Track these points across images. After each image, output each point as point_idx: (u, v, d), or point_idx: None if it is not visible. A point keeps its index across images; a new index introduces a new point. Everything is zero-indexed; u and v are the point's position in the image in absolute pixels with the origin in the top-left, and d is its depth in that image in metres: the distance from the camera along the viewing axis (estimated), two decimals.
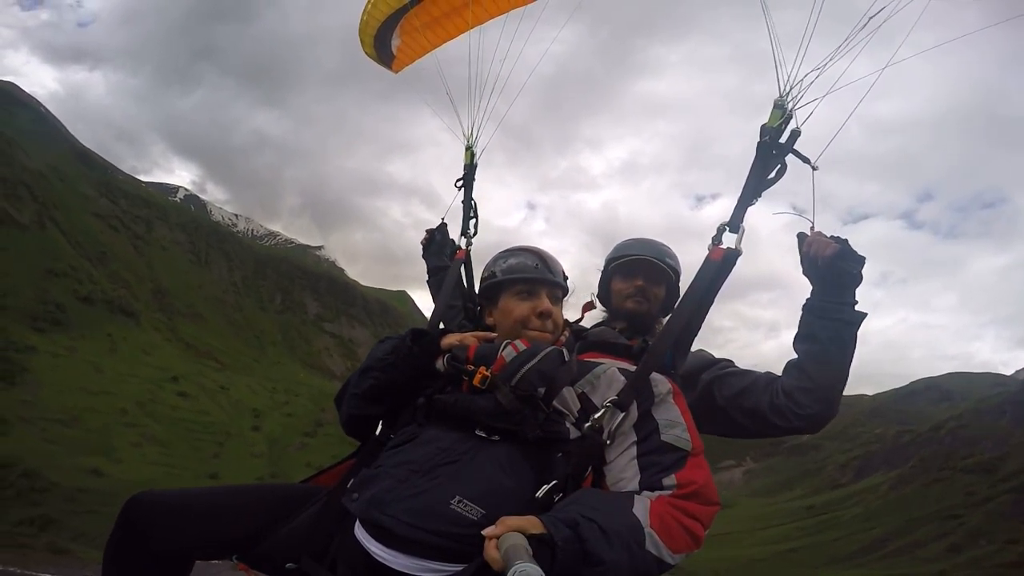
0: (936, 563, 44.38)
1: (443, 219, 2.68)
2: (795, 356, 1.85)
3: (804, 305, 1.85)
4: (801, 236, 1.81)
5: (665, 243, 2.21)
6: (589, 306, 2.04)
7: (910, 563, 48.80)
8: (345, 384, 1.78)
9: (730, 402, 1.89)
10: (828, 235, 1.77)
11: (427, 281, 2.66)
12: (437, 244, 2.67)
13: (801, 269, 1.82)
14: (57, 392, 65.84)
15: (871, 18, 1.68)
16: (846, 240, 1.74)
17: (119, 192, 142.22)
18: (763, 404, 1.81)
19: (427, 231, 2.71)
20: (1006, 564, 36.52)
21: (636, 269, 2.12)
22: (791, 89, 1.70)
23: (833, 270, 1.74)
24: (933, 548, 54.06)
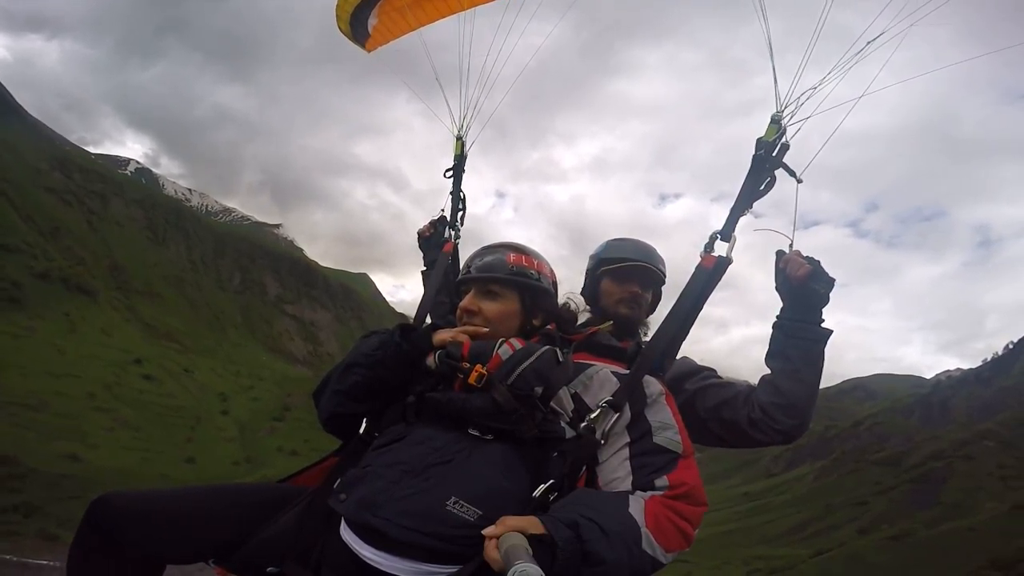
0: (846, 543, 51.81)
1: (443, 210, 2.63)
2: (767, 372, 1.89)
3: (775, 324, 1.89)
4: (779, 253, 1.85)
5: (652, 245, 2.22)
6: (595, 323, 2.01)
7: (826, 543, 56.06)
8: (325, 379, 1.71)
9: (710, 414, 1.91)
10: (803, 255, 1.80)
11: (422, 272, 2.65)
12: (438, 235, 2.61)
13: (774, 284, 1.87)
14: (21, 375, 65.27)
15: (869, 43, 1.71)
16: (818, 261, 1.79)
17: (72, 166, 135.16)
18: (742, 418, 1.86)
19: (431, 222, 2.65)
20: (890, 537, 44.52)
21: (631, 275, 2.11)
22: (787, 106, 1.74)
23: (804, 290, 1.79)
24: (845, 530, 61.83)
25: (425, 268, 2.64)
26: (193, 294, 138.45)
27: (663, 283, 2.19)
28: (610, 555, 1.19)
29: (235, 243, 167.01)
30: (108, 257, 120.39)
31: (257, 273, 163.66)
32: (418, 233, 2.68)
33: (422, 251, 2.67)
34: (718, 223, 1.81)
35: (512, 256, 1.72)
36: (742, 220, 1.80)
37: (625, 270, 2.12)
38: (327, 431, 1.73)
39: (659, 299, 2.21)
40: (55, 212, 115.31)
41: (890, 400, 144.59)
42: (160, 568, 1.58)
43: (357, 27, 2.87)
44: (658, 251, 2.22)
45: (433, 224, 2.65)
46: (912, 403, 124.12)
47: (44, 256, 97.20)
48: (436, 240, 2.61)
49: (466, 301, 1.69)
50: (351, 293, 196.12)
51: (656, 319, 2.20)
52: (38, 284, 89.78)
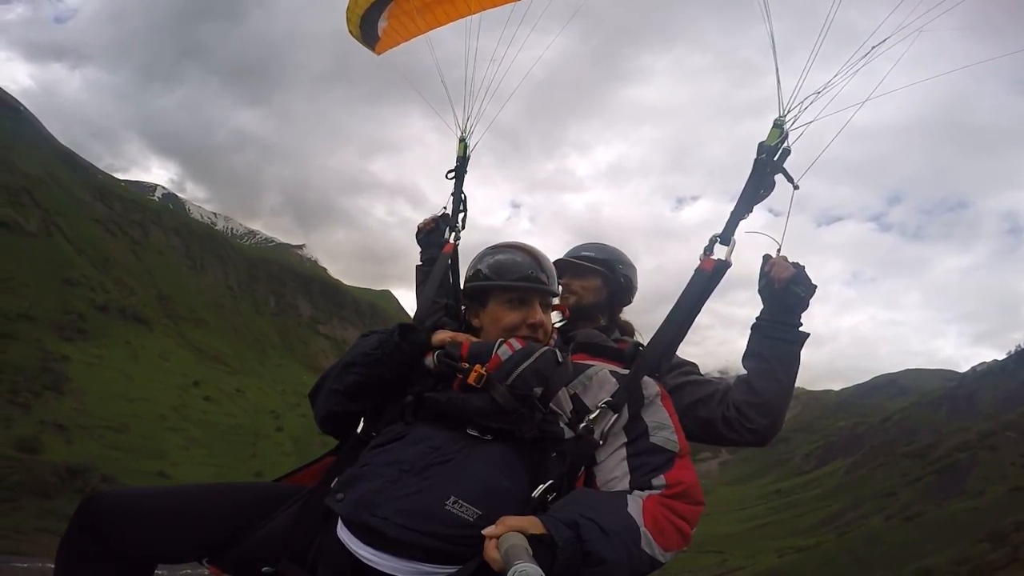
0: (875, 530, 55.40)
1: (444, 207, 2.61)
2: (743, 372, 1.94)
3: (753, 325, 1.92)
4: (766, 257, 1.88)
5: (597, 242, 2.40)
6: (564, 310, 2.09)
7: (855, 532, 59.74)
8: (322, 379, 1.71)
9: (686, 410, 1.91)
10: (789, 260, 1.84)
11: (416, 267, 2.64)
12: (439, 232, 2.59)
13: (758, 287, 1.90)
14: (100, 400, 71.92)
15: (874, 47, 1.69)
16: (803, 267, 1.83)
17: (112, 195, 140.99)
18: (716, 416, 1.89)
19: (432, 217, 2.64)
20: (904, 518, 48.07)
21: (562, 271, 2.29)
22: (790, 110, 1.74)
23: (785, 292, 1.82)
24: (873, 520, 64.78)
25: (421, 263, 2.65)
26: (234, 318, 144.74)
27: (604, 267, 2.32)
28: (610, 555, 1.19)
29: (266, 267, 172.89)
30: (154, 286, 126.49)
31: (290, 296, 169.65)
32: (418, 227, 2.68)
33: (420, 246, 2.67)
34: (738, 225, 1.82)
35: (556, 265, 1.78)
36: (741, 229, 1.81)
37: (558, 267, 2.28)
38: (323, 430, 1.74)
39: (615, 287, 2.34)
40: (103, 243, 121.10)
41: (919, 395, 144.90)
42: (151, 567, 1.56)
43: (367, 30, 2.92)
44: (598, 244, 2.42)
45: (435, 219, 2.64)
46: (940, 397, 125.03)
47: (101, 288, 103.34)
48: (436, 238, 2.61)
49: (537, 315, 1.68)
50: (377, 310, 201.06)
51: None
52: (99, 315, 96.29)
